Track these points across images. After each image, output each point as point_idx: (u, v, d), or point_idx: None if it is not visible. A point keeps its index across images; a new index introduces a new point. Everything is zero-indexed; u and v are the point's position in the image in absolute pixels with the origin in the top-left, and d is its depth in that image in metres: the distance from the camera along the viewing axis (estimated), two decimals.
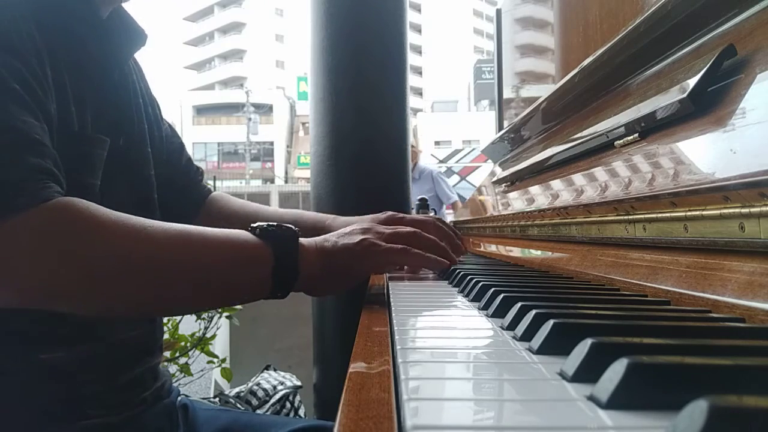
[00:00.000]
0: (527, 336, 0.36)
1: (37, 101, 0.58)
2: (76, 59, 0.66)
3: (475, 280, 0.60)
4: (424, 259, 0.74)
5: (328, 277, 0.68)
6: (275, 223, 0.66)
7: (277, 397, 1.61)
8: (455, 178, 18.77)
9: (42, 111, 0.58)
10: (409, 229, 0.77)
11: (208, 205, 0.97)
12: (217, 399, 1.65)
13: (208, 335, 1.97)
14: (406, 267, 0.83)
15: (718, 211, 0.45)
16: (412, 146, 3.98)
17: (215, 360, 1.91)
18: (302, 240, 0.67)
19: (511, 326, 0.40)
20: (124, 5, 0.76)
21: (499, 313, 0.46)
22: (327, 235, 0.71)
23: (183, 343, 1.90)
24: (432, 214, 1.94)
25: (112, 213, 0.57)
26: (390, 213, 0.87)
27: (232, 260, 0.63)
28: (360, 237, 0.70)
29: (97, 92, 0.69)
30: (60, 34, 0.64)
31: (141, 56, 0.82)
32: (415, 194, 4.14)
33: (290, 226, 0.66)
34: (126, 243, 0.57)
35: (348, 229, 0.73)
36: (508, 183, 1.33)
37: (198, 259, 0.61)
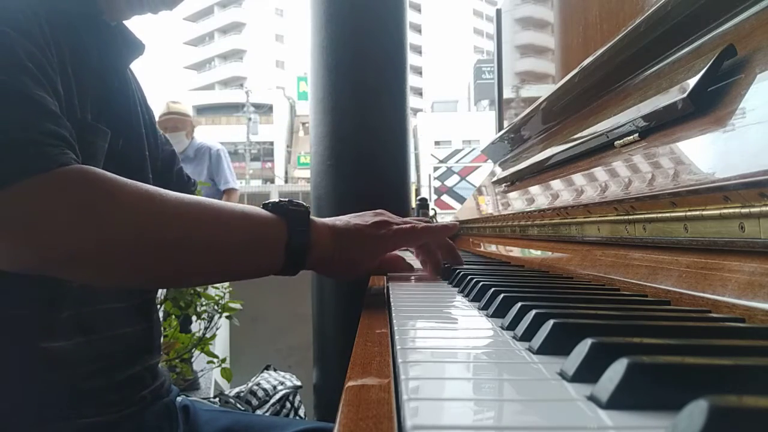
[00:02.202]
0: (527, 336, 0.36)
1: (49, 81, 0.59)
2: (80, 60, 0.67)
3: (475, 280, 0.60)
4: (430, 230, 0.75)
5: (339, 256, 0.69)
6: (287, 199, 0.67)
7: (277, 397, 1.61)
8: (455, 178, 18.78)
9: (54, 91, 0.60)
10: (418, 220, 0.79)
11: None
12: (217, 399, 1.66)
13: (208, 335, 1.97)
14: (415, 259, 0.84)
15: (718, 211, 0.45)
16: (182, 114, 3.30)
17: (215, 360, 1.91)
18: (314, 218, 0.68)
19: (511, 326, 0.40)
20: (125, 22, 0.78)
21: (499, 313, 0.46)
22: (339, 216, 0.73)
23: (183, 343, 1.90)
24: (432, 213, 1.94)
25: (128, 181, 0.58)
26: (378, 210, 0.83)
27: (245, 233, 0.64)
28: (372, 219, 0.72)
29: (98, 93, 0.70)
30: (66, 34, 0.66)
31: (141, 58, 0.83)
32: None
33: (302, 203, 0.68)
34: (142, 210, 0.58)
35: (360, 213, 0.75)
36: (508, 183, 1.33)
37: (212, 230, 0.62)
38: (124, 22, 0.79)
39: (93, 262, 0.57)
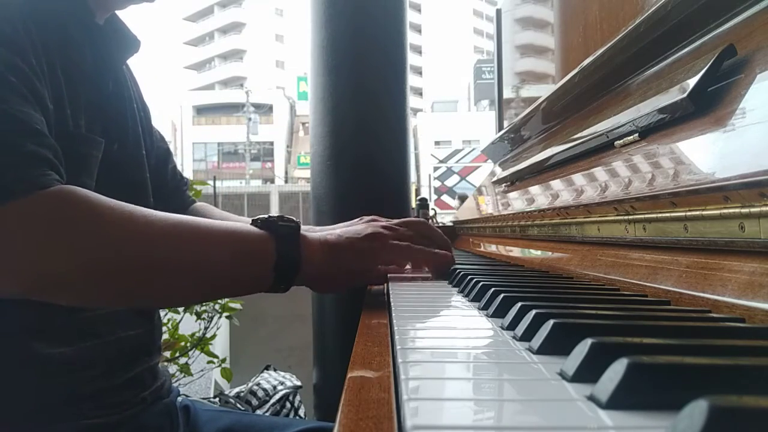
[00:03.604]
0: (527, 336, 0.36)
1: (36, 95, 0.58)
2: (72, 64, 0.66)
3: (475, 280, 0.60)
4: (429, 254, 0.72)
5: (331, 271, 0.67)
6: (276, 215, 0.65)
7: (277, 397, 1.61)
8: (455, 178, 18.79)
9: (40, 105, 0.58)
10: (415, 222, 0.75)
11: (190, 214, 0.96)
12: (217, 399, 1.65)
13: (208, 335, 1.97)
14: (409, 266, 0.82)
15: (718, 211, 0.45)
16: None
17: (215, 360, 1.91)
18: (305, 232, 0.66)
19: (511, 326, 0.40)
20: (119, 13, 0.77)
21: (499, 313, 0.46)
22: (332, 228, 0.71)
23: (183, 343, 1.90)
24: (432, 213, 1.94)
25: (111, 201, 0.56)
26: (370, 217, 0.80)
27: (232, 253, 0.62)
28: (365, 232, 0.69)
29: (91, 97, 0.69)
30: (57, 37, 0.64)
31: (140, 57, 0.83)
32: None
33: (292, 218, 0.66)
34: (126, 231, 0.56)
35: (353, 223, 0.72)
36: (508, 183, 1.33)
37: (198, 250, 0.61)
38: (120, 13, 0.77)
39: (77, 287, 0.55)
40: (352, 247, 0.68)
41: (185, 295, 0.68)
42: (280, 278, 0.63)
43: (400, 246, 0.70)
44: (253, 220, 0.65)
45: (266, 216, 0.65)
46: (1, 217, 0.51)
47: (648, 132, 0.64)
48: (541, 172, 1.08)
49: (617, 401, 0.23)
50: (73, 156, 0.62)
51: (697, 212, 0.48)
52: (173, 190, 0.94)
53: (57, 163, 0.57)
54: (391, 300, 0.55)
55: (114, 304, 0.65)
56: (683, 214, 0.51)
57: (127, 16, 0.80)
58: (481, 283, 0.57)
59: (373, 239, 0.69)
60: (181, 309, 1.95)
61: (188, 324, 2.02)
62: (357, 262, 0.69)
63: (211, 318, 1.98)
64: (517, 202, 1.20)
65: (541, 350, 0.33)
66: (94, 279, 0.55)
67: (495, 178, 1.46)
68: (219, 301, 1.98)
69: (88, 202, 0.55)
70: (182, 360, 1.90)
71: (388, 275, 0.78)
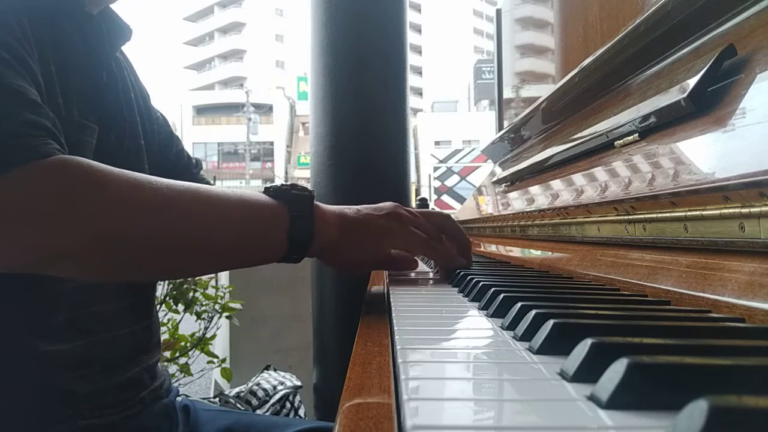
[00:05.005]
0: (527, 336, 0.36)
1: (30, 73, 0.57)
2: (64, 57, 0.65)
3: (475, 280, 0.60)
4: (444, 255, 0.70)
5: (344, 244, 0.66)
6: (289, 184, 0.65)
7: (277, 397, 1.61)
8: (455, 178, 18.78)
9: (35, 83, 0.57)
10: (438, 215, 0.73)
11: None
12: (217, 399, 1.65)
13: (208, 335, 1.97)
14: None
15: (718, 211, 0.45)
16: None
17: (215, 360, 1.91)
18: (321, 204, 0.66)
19: (511, 326, 0.40)
20: (111, 6, 0.76)
21: (499, 313, 0.46)
22: (355, 206, 0.70)
23: (183, 343, 1.90)
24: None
25: (115, 169, 0.55)
26: (394, 204, 0.79)
27: (243, 219, 0.61)
28: (386, 212, 0.69)
29: (85, 89, 0.68)
30: (48, 29, 0.64)
31: (140, 56, 0.82)
32: None
33: (306, 186, 0.65)
34: (132, 199, 0.55)
35: (376, 205, 0.71)
36: (508, 183, 1.33)
37: (208, 216, 0.59)
38: (112, 5, 0.76)
39: (82, 257, 0.54)
40: (369, 222, 0.67)
41: (196, 264, 0.66)
42: (294, 247, 0.62)
43: (417, 234, 0.69)
44: (266, 188, 0.64)
45: (279, 184, 0.64)
46: (1, 185, 0.50)
47: (648, 132, 0.64)
48: (541, 172, 1.08)
49: (617, 401, 0.23)
50: (67, 141, 0.60)
51: (697, 212, 0.48)
52: (181, 173, 0.93)
53: (57, 133, 0.56)
54: (391, 300, 0.55)
55: (123, 276, 0.64)
56: (683, 214, 0.51)
57: (126, 12, 0.80)
58: (481, 283, 0.57)
59: (392, 218, 0.68)
60: (181, 309, 1.95)
61: (188, 324, 2.02)
62: (371, 239, 0.68)
63: (211, 318, 1.98)
64: (517, 202, 1.20)
65: (541, 350, 0.33)
66: (99, 249, 0.54)
67: (495, 178, 1.46)
68: (219, 300, 1.98)
69: (91, 171, 0.53)
70: (182, 360, 1.90)
71: (388, 275, 0.78)
